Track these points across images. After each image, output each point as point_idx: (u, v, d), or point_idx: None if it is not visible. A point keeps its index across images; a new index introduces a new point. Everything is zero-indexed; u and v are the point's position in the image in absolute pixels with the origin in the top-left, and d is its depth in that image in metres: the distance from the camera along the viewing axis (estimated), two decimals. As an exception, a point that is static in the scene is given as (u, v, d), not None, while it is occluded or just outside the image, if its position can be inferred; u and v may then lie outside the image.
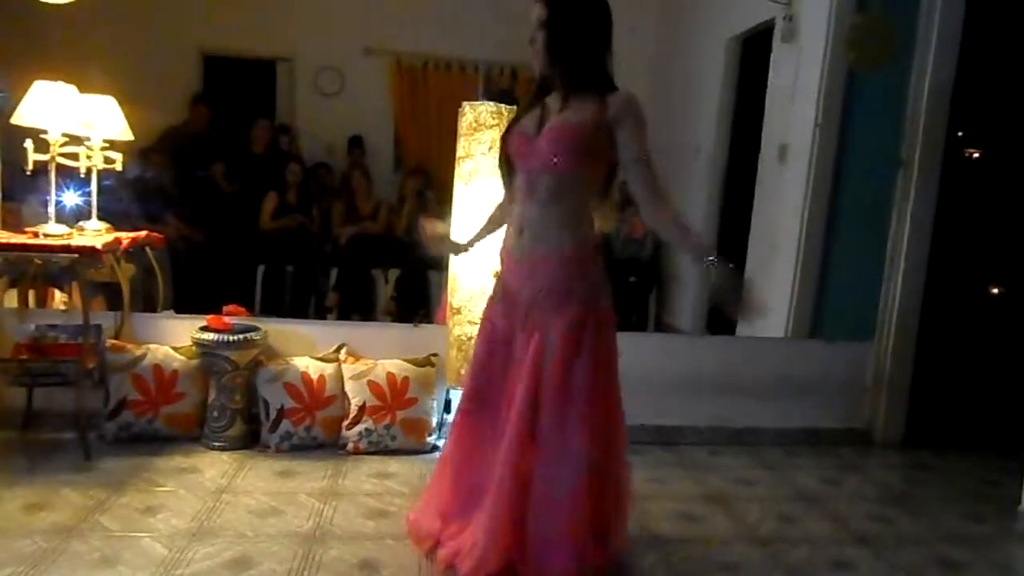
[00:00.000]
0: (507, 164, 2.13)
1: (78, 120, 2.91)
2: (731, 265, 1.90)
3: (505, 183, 2.18)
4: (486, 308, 2.25)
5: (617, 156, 2.01)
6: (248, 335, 3.00)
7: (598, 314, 2.05)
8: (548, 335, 2.01)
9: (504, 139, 2.14)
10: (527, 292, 2.06)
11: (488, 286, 2.45)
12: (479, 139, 2.90)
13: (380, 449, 3.04)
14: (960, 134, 3.54)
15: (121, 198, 4.13)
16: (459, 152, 2.99)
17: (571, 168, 1.99)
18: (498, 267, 2.22)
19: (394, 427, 3.05)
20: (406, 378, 3.08)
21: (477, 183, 2.90)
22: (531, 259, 2.05)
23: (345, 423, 3.06)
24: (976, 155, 3.58)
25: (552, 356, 2.00)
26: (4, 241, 2.76)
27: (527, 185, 2.05)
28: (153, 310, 3.41)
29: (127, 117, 3.15)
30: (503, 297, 2.16)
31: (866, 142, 3.69)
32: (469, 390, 2.23)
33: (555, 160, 1.98)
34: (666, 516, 2.69)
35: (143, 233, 3.32)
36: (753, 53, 4.77)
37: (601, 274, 2.10)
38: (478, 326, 2.30)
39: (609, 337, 2.10)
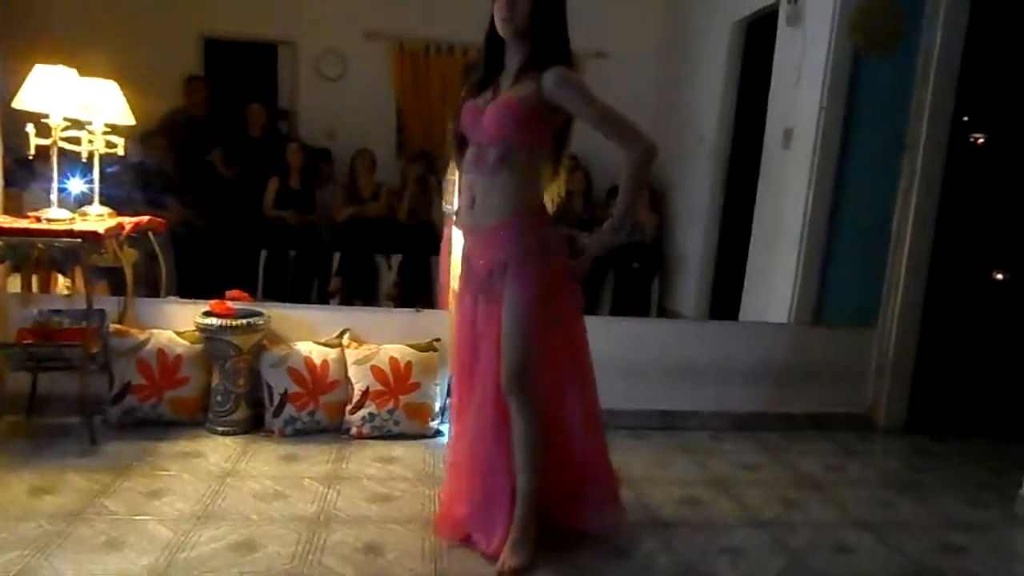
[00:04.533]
0: (458, 138, 2.20)
1: (79, 104, 2.90)
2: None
3: (456, 158, 2.26)
4: (458, 289, 2.35)
5: (559, 125, 2.12)
6: (251, 320, 3.00)
7: (553, 275, 2.12)
8: (509, 304, 2.08)
9: (455, 115, 2.21)
10: (484, 262, 2.15)
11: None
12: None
13: (383, 434, 3.05)
14: (965, 119, 3.52)
15: (123, 183, 4.12)
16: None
17: (515, 137, 2.07)
18: None
19: (397, 412, 3.06)
20: (409, 363, 3.09)
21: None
22: (485, 229, 2.13)
23: (348, 408, 3.07)
24: (981, 140, 3.56)
25: (515, 320, 2.07)
26: (6, 226, 2.76)
27: (476, 156, 2.13)
28: (156, 295, 3.41)
29: (128, 101, 3.13)
30: (465, 268, 2.26)
31: (871, 127, 3.67)
32: (454, 375, 2.38)
33: (501, 132, 2.06)
34: (668, 500, 2.69)
35: (145, 218, 3.32)
36: (758, 37, 4.73)
37: (552, 236, 2.17)
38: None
39: (567, 294, 2.18)
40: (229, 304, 3.05)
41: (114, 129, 3.08)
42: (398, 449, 2.96)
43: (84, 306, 2.85)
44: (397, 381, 3.06)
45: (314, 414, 3.04)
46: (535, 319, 2.07)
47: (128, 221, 3.12)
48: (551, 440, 2.17)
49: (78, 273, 2.94)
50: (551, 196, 2.22)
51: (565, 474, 2.25)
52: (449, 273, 3.14)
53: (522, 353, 2.07)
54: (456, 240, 3.02)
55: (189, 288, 3.63)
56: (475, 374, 2.22)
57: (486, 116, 2.08)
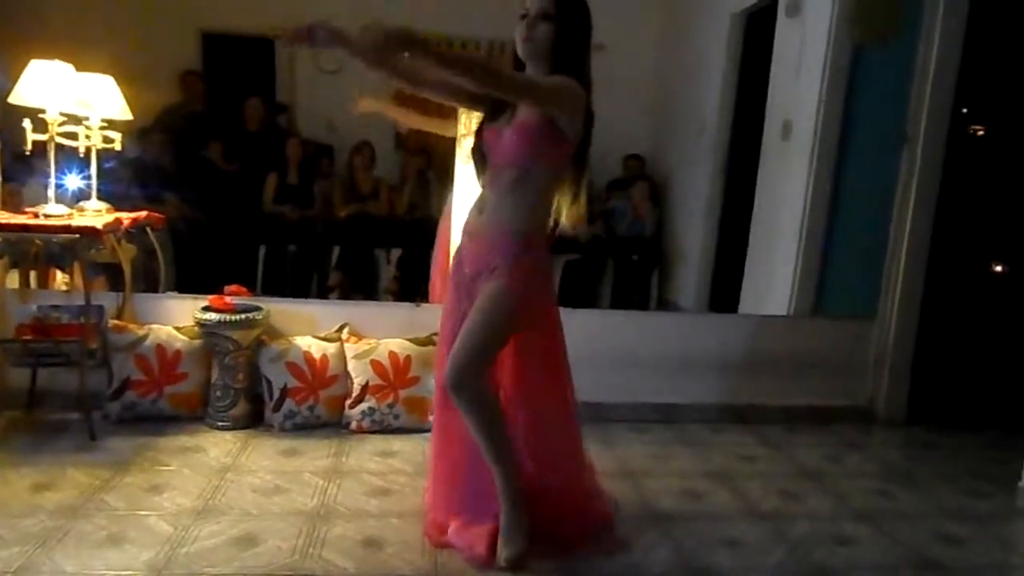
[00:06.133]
0: (479, 154, 2.19)
1: (76, 99, 2.89)
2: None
3: (478, 171, 2.23)
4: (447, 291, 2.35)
5: (570, 144, 2.08)
6: (250, 315, 3.00)
7: (531, 289, 2.11)
8: (481, 297, 2.09)
9: (478, 132, 2.21)
10: (475, 267, 2.15)
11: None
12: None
13: (383, 428, 3.05)
14: (965, 111, 3.51)
15: (121, 178, 4.11)
16: (460, 131, 2.97)
17: (529, 162, 2.07)
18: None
19: (397, 406, 3.06)
20: (408, 357, 3.09)
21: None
22: (485, 236, 2.14)
23: (348, 402, 3.07)
24: (981, 132, 3.56)
25: (481, 311, 2.06)
26: (4, 222, 2.75)
27: (493, 176, 2.14)
28: (155, 290, 3.41)
29: (125, 96, 3.12)
30: (455, 269, 2.27)
31: (871, 118, 3.66)
32: (436, 367, 2.38)
33: (517, 155, 2.06)
34: (668, 492, 2.70)
35: (144, 213, 3.31)
36: (757, 28, 4.71)
37: (544, 258, 2.18)
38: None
39: (545, 313, 2.18)
40: (228, 299, 3.04)
41: (111, 124, 3.07)
42: (397, 443, 2.96)
43: (82, 302, 2.85)
44: (396, 375, 3.07)
45: (314, 408, 3.04)
46: (501, 317, 2.05)
47: (126, 216, 3.11)
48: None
49: (76, 269, 2.94)
50: (570, 219, 2.21)
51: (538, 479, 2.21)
52: (444, 267, 3.14)
53: (475, 346, 2.03)
54: (453, 234, 3.02)
55: (188, 283, 3.63)
56: None
57: (505, 139, 2.09)
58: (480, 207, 2.19)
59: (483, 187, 2.20)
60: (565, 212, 2.19)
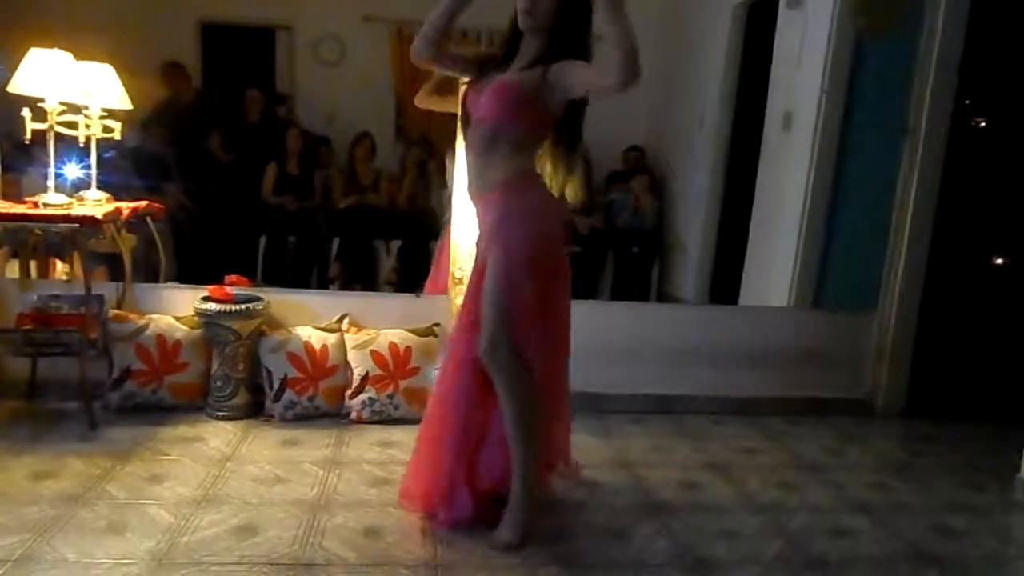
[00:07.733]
0: (465, 114, 2.23)
1: (76, 88, 2.88)
2: None
3: (464, 135, 2.28)
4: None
5: (550, 115, 2.10)
6: (250, 305, 3.00)
7: (540, 238, 2.12)
8: (489, 265, 2.11)
9: (465, 93, 2.25)
10: (483, 227, 2.20)
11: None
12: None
13: (383, 418, 3.05)
14: (967, 102, 3.49)
15: (120, 168, 4.10)
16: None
17: (500, 120, 2.09)
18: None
19: (397, 396, 3.07)
20: (408, 348, 3.09)
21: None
22: (480, 198, 2.20)
23: (348, 392, 3.07)
24: (983, 124, 3.54)
25: (493, 281, 2.10)
26: (4, 211, 2.75)
27: (472, 135, 2.19)
28: (155, 280, 3.41)
29: (125, 85, 3.11)
30: (478, 237, 2.28)
31: (872, 110, 3.65)
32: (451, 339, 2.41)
33: (489, 112, 2.10)
34: (667, 484, 2.70)
35: (143, 203, 3.31)
36: (759, 20, 4.70)
37: (542, 200, 2.16)
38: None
39: (558, 260, 2.20)
40: (228, 289, 3.04)
41: (111, 114, 3.06)
42: (397, 433, 2.97)
43: (83, 291, 2.85)
44: (396, 366, 3.07)
45: (314, 399, 3.05)
46: (512, 281, 2.07)
47: (126, 206, 3.11)
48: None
49: (76, 258, 2.93)
50: (569, 195, 2.21)
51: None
52: (448, 258, 3.14)
53: (497, 317, 2.07)
54: (456, 225, 3.02)
55: (188, 273, 3.62)
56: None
57: (484, 95, 2.11)
58: (469, 174, 2.22)
59: (466, 151, 2.23)
60: (560, 186, 2.20)
